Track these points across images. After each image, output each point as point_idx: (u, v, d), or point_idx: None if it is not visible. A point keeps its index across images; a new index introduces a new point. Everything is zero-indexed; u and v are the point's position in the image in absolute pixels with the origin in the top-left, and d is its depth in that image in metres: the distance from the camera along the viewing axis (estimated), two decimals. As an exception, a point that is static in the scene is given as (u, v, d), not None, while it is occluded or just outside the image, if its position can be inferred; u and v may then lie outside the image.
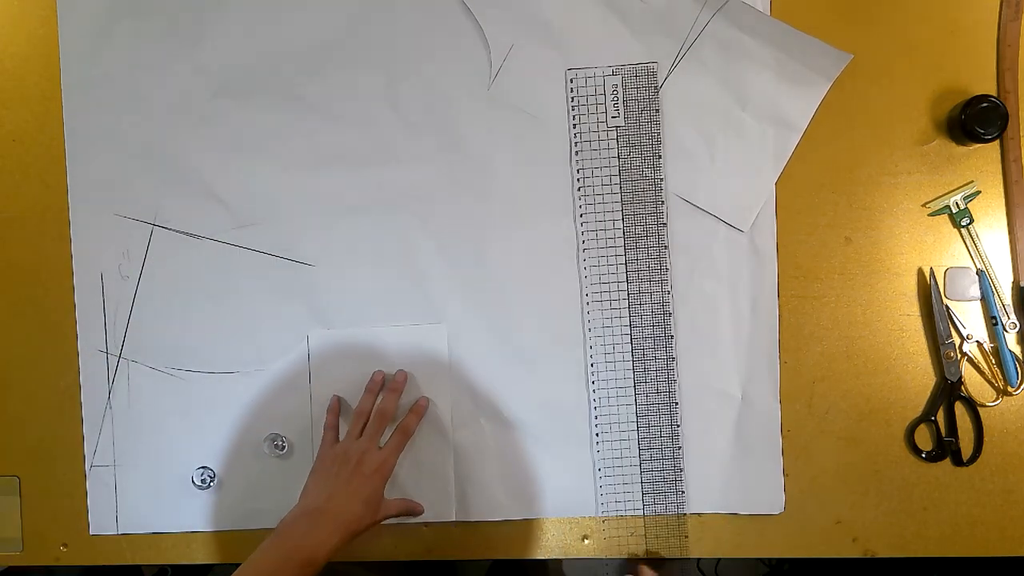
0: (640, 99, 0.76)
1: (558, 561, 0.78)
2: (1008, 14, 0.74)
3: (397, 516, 0.77)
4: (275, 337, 0.80)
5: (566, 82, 0.77)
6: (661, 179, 0.77)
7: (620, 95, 0.77)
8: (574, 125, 0.77)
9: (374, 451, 0.75)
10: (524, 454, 0.78)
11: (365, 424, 0.76)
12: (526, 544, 0.78)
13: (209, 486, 0.80)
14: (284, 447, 0.79)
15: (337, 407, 0.78)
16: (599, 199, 0.77)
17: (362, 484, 0.73)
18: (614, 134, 0.77)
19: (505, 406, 0.78)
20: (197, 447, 0.80)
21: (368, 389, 0.78)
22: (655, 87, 0.76)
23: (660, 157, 0.77)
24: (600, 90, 0.77)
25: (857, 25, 0.75)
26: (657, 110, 0.76)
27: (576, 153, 0.77)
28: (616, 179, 0.77)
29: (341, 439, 0.77)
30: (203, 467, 0.80)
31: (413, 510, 0.78)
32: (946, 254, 0.75)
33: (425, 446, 0.78)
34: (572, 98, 0.77)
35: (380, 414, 0.76)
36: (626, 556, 0.78)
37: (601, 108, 0.77)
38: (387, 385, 0.78)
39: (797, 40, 0.74)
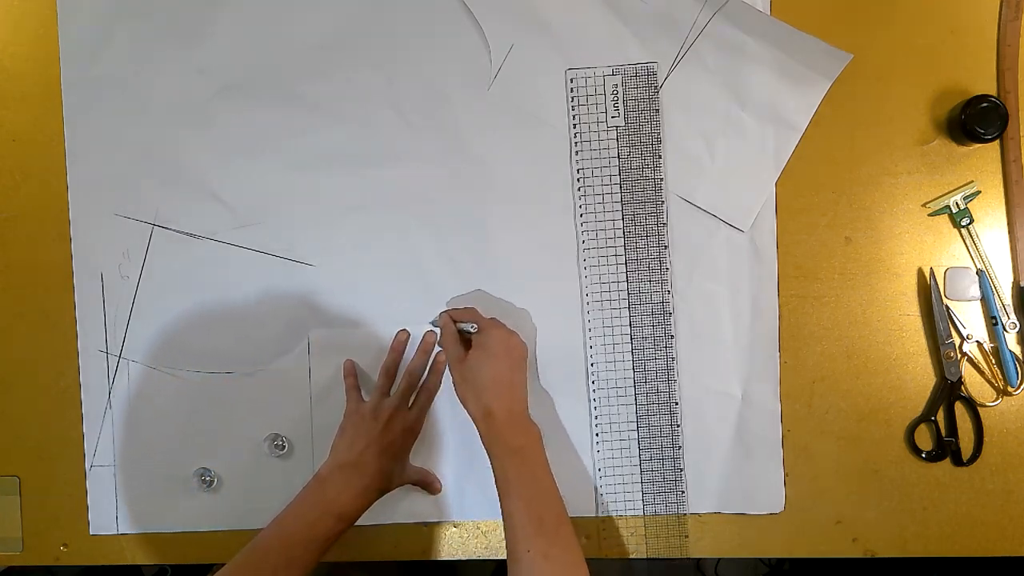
0: (640, 99, 0.76)
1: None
2: (1008, 14, 0.74)
3: (417, 484, 0.77)
4: (275, 337, 0.80)
5: (566, 82, 0.77)
6: (661, 179, 0.77)
7: (620, 95, 0.77)
8: (574, 125, 0.77)
9: (405, 410, 0.75)
10: (524, 454, 0.78)
11: (390, 383, 0.77)
12: (526, 544, 0.78)
13: (209, 486, 0.80)
14: (284, 447, 0.79)
15: (354, 369, 0.78)
16: (599, 199, 0.77)
17: (394, 442, 0.74)
18: (614, 134, 0.77)
19: (505, 406, 0.78)
20: (197, 447, 0.80)
21: (393, 348, 0.77)
22: (655, 87, 0.76)
23: (660, 157, 0.77)
24: (600, 90, 0.77)
25: (857, 25, 0.75)
26: (657, 110, 0.76)
27: (576, 153, 0.77)
28: (616, 179, 0.77)
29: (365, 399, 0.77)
30: (203, 467, 0.80)
31: (432, 484, 0.78)
32: (946, 254, 0.75)
33: (425, 446, 0.78)
34: (572, 98, 0.77)
35: (411, 374, 0.76)
36: (627, 556, 0.78)
37: (601, 108, 0.77)
38: (419, 347, 0.78)
39: (797, 40, 0.74)
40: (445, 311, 0.76)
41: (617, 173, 0.77)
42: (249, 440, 0.80)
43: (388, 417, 0.74)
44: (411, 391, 0.76)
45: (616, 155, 0.77)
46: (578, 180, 0.77)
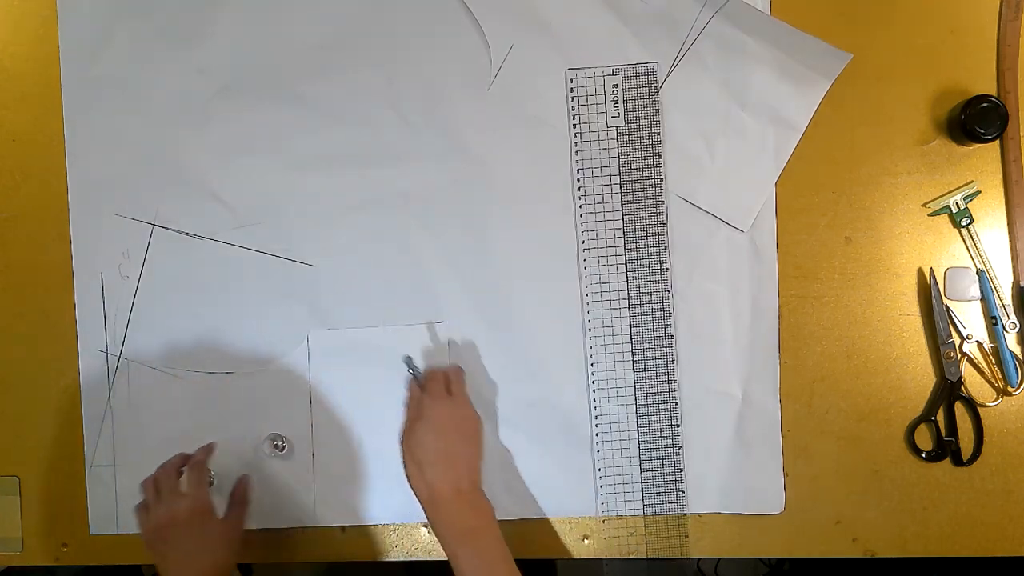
0: (640, 99, 0.76)
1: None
2: (1008, 14, 0.74)
3: (241, 512, 0.75)
4: (275, 337, 0.80)
5: (566, 82, 0.77)
6: (661, 179, 0.77)
7: (620, 95, 0.77)
8: (574, 125, 0.77)
9: (180, 498, 0.71)
10: (524, 454, 0.78)
11: (155, 490, 0.72)
12: (526, 544, 0.78)
13: (209, 486, 0.80)
14: (284, 447, 0.79)
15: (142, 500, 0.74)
16: (599, 199, 0.77)
17: (195, 535, 0.70)
18: (614, 134, 0.77)
19: (505, 406, 0.78)
20: (197, 447, 0.80)
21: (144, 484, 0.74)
22: (655, 87, 0.76)
23: (660, 157, 0.77)
24: (600, 90, 0.77)
25: (857, 25, 0.75)
26: (657, 110, 0.76)
27: (576, 153, 0.77)
28: (616, 179, 0.77)
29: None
30: (203, 467, 0.80)
31: (245, 493, 0.77)
32: (946, 254, 0.75)
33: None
34: (572, 98, 0.77)
35: (162, 469, 0.74)
36: (627, 556, 0.78)
37: (601, 108, 0.77)
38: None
39: (797, 40, 0.74)
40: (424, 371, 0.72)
41: (617, 173, 0.77)
42: (249, 440, 0.80)
43: (169, 520, 0.69)
44: (174, 481, 0.72)
45: (616, 155, 0.77)
46: (578, 180, 0.77)
